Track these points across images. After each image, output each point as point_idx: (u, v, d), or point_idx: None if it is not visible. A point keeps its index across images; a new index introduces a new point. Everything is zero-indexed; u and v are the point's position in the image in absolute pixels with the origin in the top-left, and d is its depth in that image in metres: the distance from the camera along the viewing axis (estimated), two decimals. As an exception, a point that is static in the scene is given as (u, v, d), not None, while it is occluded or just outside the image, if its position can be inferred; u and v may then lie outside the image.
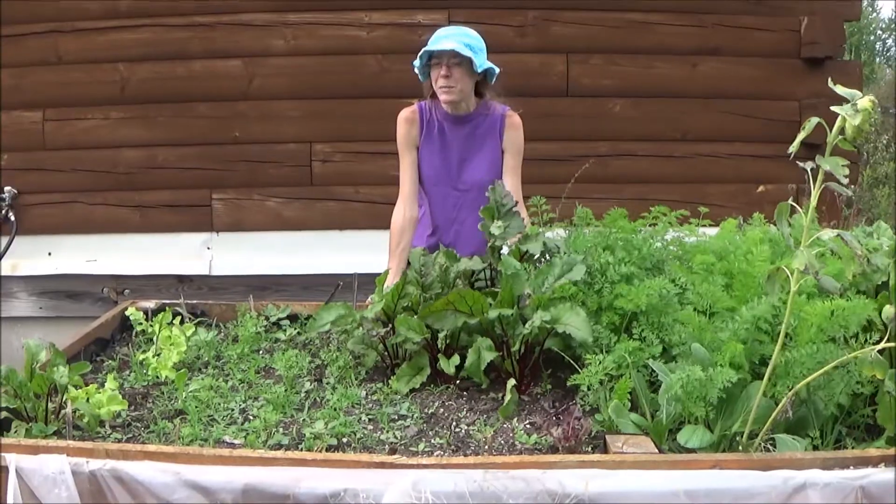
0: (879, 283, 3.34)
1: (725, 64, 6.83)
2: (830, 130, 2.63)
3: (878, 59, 21.76)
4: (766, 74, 6.84)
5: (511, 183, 4.47)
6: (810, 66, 6.79)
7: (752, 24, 6.80)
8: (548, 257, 3.75)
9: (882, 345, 2.68)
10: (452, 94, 4.38)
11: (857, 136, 2.58)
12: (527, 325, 3.32)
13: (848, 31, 7.58)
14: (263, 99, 6.78)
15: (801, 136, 2.66)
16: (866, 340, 2.93)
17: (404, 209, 4.48)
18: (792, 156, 2.70)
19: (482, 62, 4.36)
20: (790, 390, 2.83)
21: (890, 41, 23.57)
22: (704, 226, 4.02)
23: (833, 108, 2.62)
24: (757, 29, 6.80)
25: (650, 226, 3.94)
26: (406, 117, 4.54)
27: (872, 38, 22.70)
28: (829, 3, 6.78)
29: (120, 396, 3.21)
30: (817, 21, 6.72)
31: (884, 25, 23.55)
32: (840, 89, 2.63)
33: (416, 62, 4.41)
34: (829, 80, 2.73)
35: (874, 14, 22.85)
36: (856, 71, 6.90)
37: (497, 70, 4.45)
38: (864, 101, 2.57)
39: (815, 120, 2.63)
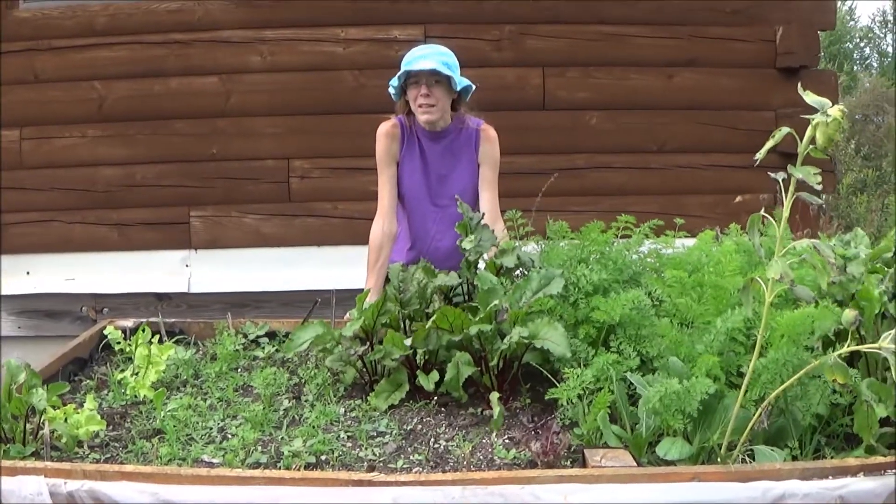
0: (854, 291, 3.35)
1: (701, 75, 6.86)
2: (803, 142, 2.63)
3: (856, 68, 21.93)
4: (742, 85, 6.87)
5: (488, 196, 4.47)
6: (786, 75, 6.82)
7: (727, 35, 6.84)
8: (525, 271, 3.75)
9: (845, 349, 2.68)
10: (432, 114, 4.37)
11: (827, 145, 2.59)
12: (504, 341, 3.31)
13: (825, 41, 7.61)
14: (241, 115, 6.79)
15: (768, 145, 2.67)
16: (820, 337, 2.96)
17: (383, 224, 4.46)
18: (757, 163, 2.72)
19: (460, 80, 4.36)
20: (763, 400, 2.83)
21: (868, 50, 23.74)
22: (682, 237, 4.02)
23: (804, 117, 2.62)
24: (732, 39, 6.84)
25: (622, 237, 3.93)
26: (387, 132, 4.51)
27: (850, 46, 22.85)
28: (804, 13, 6.81)
29: (98, 416, 3.19)
30: (792, 31, 6.75)
31: (861, 34, 23.72)
32: (810, 97, 2.63)
33: (394, 81, 4.39)
34: (800, 87, 2.74)
35: (852, 22, 23.02)
36: (831, 80, 6.94)
37: (474, 87, 4.45)
38: (834, 111, 2.58)
39: (784, 129, 2.64)
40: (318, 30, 6.74)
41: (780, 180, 2.67)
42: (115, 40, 6.73)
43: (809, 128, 2.61)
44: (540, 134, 6.81)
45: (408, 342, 3.47)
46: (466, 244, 3.81)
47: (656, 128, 6.89)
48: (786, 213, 2.68)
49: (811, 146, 2.62)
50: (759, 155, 2.67)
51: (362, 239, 4.55)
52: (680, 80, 6.85)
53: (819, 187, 2.56)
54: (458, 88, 4.38)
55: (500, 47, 6.77)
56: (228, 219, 6.85)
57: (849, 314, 2.71)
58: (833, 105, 2.62)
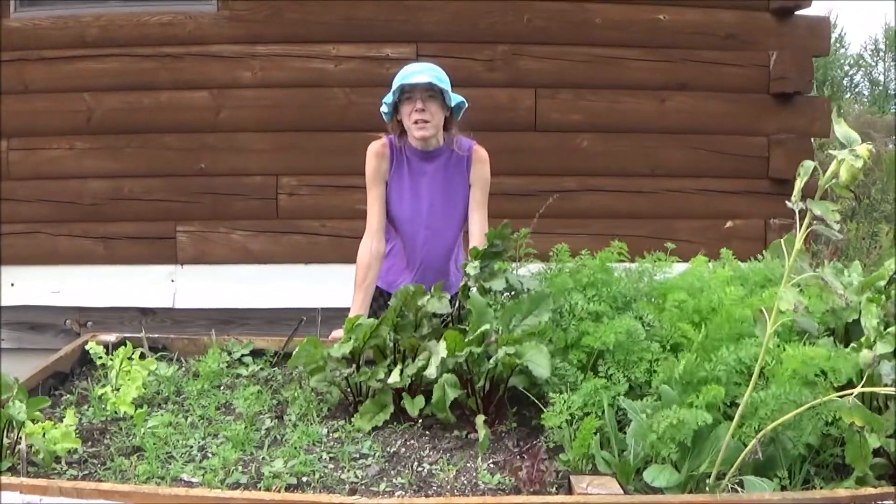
0: (850, 320, 3.32)
1: (694, 99, 6.84)
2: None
3: (846, 95, 21.97)
4: (734, 109, 6.85)
5: (478, 217, 4.44)
6: (779, 101, 6.81)
7: (720, 60, 6.82)
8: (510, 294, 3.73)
9: (859, 389, 2.65)
10: (428, 130, 4.33)
11: (850, 183, 2.54)
12: (491, 361, 3.28)
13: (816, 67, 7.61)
14: (230, 131, 6.74)
15: (799, 183, 2.62)
16: (835, 381, 2.91)
17: (371, 243, 4.41)
18: (794, 206, 2.65)
19: (454, 96, 4.33)
20: (757, 432, 2.79)
21: (858, 77, 23.79)
22: (673, 262, 3.98)
23: (832, 153, 2.57)
24: (725, 64, 6.82)
25: (619, 262, 3.89)
26: (377, 151, 4.47)
27: (840, 73, 22.91)
28: (799, 38, 6.81)
29: (73, 434, 3.14)
30: (786, 56, 6.74)
31: (851, 61, 23.78)
32: (841, 129, 2.58)
33: (388, 98, 4.35)
34: (834, 114, 2.69)
35: (842, 49, 23.09)
36: (823, 107, 6.93)
37: (466, 104, 4.42)
38: (863, 149, 2.53)
39: (809, 163, 2.59)
40: (310, 46, 6.71)
41: (798, 211, 2.63)
42: (105, 52, 6.69)
43: (834, 163, 2.56)
44: (531, 155, 6.78)
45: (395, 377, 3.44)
46: (471, 269, 3.76)
47: (648, 151, 6.87)
48: (798, 243, 2.64)
49: (833, 181, 2.58)
50: (795, 196, 2.62)
51: (350, 257, 4.51)
52: (672, 103, 6.83)
53: (837, 225, 2.52)
54: (453, 104, 4.35)
55: (492, 67, 6.75)
56: (215, 234, 6.81)
57: (866, 356, 2.68)
58: (861, 143, 2.57)
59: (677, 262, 3.95)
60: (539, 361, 3.24)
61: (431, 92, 4.29)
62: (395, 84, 4.30)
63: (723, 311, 3.31)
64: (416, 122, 4.32)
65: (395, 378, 3.43)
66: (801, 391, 2.89)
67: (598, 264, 3.74)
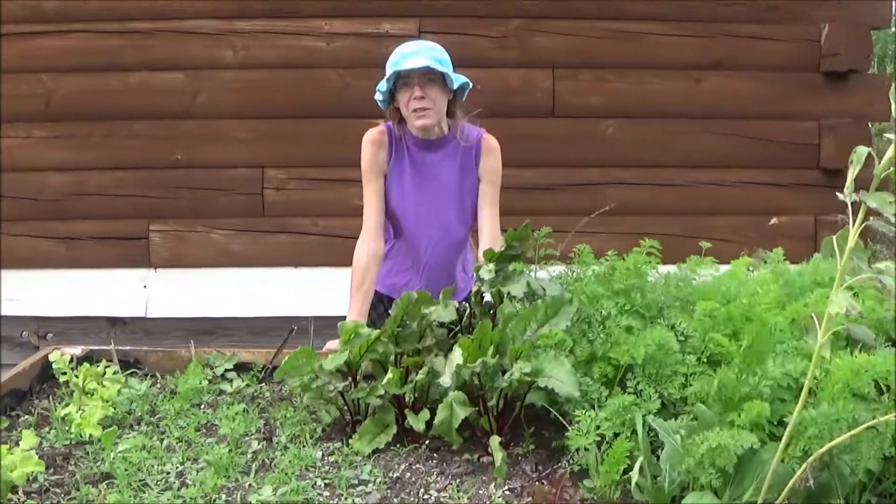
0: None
1: (732, 79, 6.84)
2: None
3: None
4: (779, 91, 6.85)
5: (488, 214, 4.44)
6: (831, 80, 6.80)
7: (762, 34, 6.81)
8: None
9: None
10: (429, 118, 4.32)
11: None
12: (505, 377, 3.27)
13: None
14: (209, 117, 6.76)
15: (852, 172, 2.60)
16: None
17: (368, 244, 4.41)
18: (845, 199, 2.63)
19: (456, 77, 4.32)
20: (805, 454, 2.78)
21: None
22: (711, 263, 3.96)
23: (888, 136, 2.55)
24: (769, 39, 6.81)
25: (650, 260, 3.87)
26: (373, 139, 4.47)
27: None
28: (853, 9, 6.78)
29: (36, 457, 3.15)
30: (839, 29, 6.72)
31: (912, 35, 23.73)
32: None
33: (382, 86, 4.34)
34: (894, 98, 2.66)
35: (903, 20, 23.01)
36: (884, 86, 6.89)
37: (470, 84, 4.41)
38: (928, 130, 2.52)
39: (864, 150, 2.57)
40: (299, 21, 6.72)
41: (850, 203, 2.61)
42: (66, 28, 6.69)
43: (892, 148, 2.54)
44: (548, 144, 6.79)
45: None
46: (485, 273, 3.75)
47: (679, 139, 6.87)
48: (852, 240, 2.62)
49: (891, 168, 2.56)
50: (847, 189, 2.61)
51: (345, 259, 4.51)
52: (707, 84, 6.83)
53: (893, 219, 2.50)
54: (455, 87, 4.34)
55: (504, 45, 6.75)
56: (193, 234, 6.81)
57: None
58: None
59: (715, 262, 3.94)
60: (562, 377, 3.22)
61: (431, 76, 4.27)
62: (389, 69, 4.29)
63: (756, 319, 3.30)
64: (415, 111, 4.31)
65: (392, 383, 3.42)
66: (855, 408, 2.88)
67: (630, 268, 3.73)
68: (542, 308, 3.47)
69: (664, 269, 3.89)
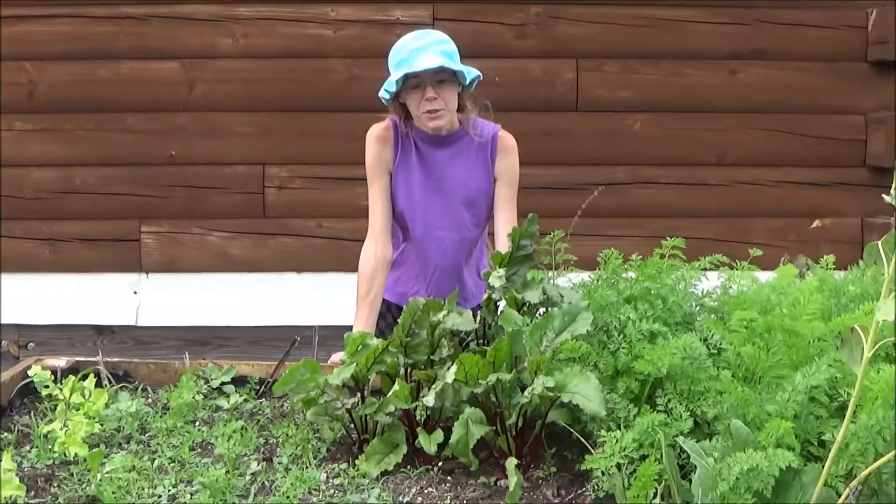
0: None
1: (771, 70, 6.83)
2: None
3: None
4: (822, 82, 6.84)
5: (506, 217, 4.42)
6: (879, 70, 6.79)
7: (805, 20, 6.80)
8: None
9: None
10: (443, 119, 4.31)
11: None
12: (525, 393, 3.25)
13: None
14: (206, 110, 6.77)
15: None
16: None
17: (375, 247, 4.40)
18: (894, 198, 2.61)
19: (468, 71, 4.29)
20: (848, 473, 2.76)
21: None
22: (748, 270, 3.95)
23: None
24: (812, 26, 6.80)
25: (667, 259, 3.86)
26: (377, 135, 4.45)
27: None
28: (904, -8, 6.77)
29: (16, 479, 3.14)
30: (888, 14, 6.70)
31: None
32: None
33: (390, 87, 4.27)
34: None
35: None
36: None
37: (481, 76, 4.38)
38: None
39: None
40: (304, 7, 6.73)
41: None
42: (52, 12, 6.72)
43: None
44: (571, 141, 6.79)
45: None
46: (495, 280, 3.73)
47: (714, 135, 6.86)
48: (899, 244, 2.61)
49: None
50: (894, 190, 2.58)
51: (351, 265, 4.50)
52: (744, 75, 6.83)
53: None
54: (469, 82, 4.31)
55: (524, 34, 6.75)
56: (188, 236, 6.82)
57: None
58: None
59: (753, 269, 3.92)
60: (588, 394, 3.20)
61: (442, 75, 4.25)
62: (395, 68, 4.25)
63: (788, 330, 3.29)
64: (427, 112, 4.28)
65: (400, 396, 3.41)
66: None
67: (650, 272, 3.71)
68: (558, 316, 3.44)
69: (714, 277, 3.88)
